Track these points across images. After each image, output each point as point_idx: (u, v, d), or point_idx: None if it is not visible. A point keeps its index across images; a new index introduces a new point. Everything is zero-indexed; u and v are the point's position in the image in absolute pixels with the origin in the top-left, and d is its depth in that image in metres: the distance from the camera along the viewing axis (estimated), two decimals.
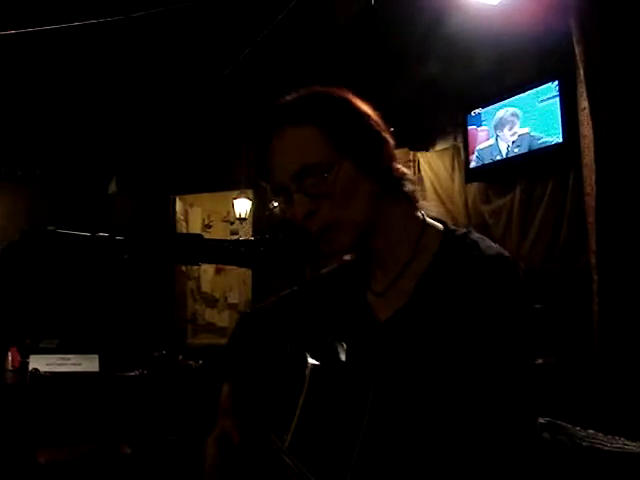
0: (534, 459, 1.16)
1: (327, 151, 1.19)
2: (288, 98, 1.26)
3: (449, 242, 1.23)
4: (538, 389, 1.14)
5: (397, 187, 1.26)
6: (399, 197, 1.26)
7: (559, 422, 1.77)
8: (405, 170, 1.30)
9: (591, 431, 1.77)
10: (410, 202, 1.28)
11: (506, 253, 1.18)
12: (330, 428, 1.13)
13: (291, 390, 1.18)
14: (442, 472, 1.10)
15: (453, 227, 1.28)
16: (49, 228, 1.21)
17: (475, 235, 1.22)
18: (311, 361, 1.17)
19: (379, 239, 1.25)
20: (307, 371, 1.16)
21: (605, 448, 1.70)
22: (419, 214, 1.28)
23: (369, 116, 1.24)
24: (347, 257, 1.40)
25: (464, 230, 1.25)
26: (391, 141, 1.25)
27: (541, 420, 1.80)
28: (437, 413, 1.11)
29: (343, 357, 1.24)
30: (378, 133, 1.23)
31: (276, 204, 1.25)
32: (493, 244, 1.20)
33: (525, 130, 4.18)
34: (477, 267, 1.14)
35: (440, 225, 1.28)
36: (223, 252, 1.19)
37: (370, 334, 1.25)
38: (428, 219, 1.29)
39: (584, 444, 1.71)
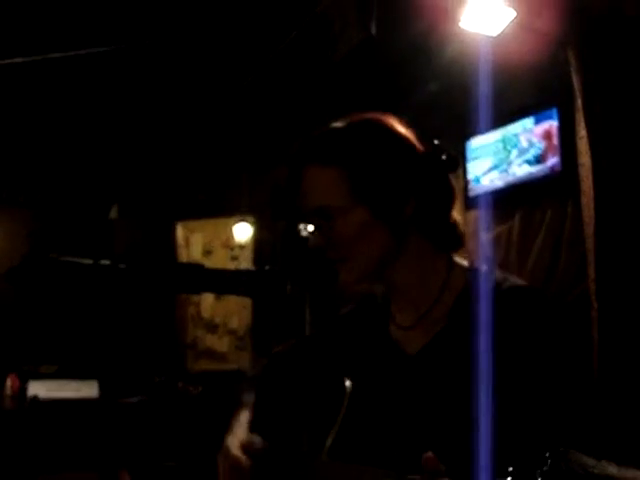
0: None
1: (343, 195, 1.21)
2: (334, 125, 1.27)
3: (476, 275, 1.25)
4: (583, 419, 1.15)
5: (426, 236, 1.27)
6: (426, 237, 1.28)
7: (572, 450, 1.77)
8: (457, 219, 1.31)
9: (604, 461, 1.77)
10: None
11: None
12: (365, 456, 1.13)
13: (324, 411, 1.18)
14: None
15: (477, 265, 1.30)
16: (51, 255, 1.23)
17: (500, 271, 1.26)
18: (348, 383, 1.18)
19: (403, 276, 1.26)
20: (347, 391, 1.16)
21: (616, 477, 1.70)
22: (444, 252, 1.30)
23: (402, 165, 1.23)
24: (361, 291, 1.40)
25: (487, 267, 1.28)
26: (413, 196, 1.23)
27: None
28: (468, 442, 1.10)
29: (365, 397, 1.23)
30: (403, 188, 1.22)
31: (308, 229, 1.27)
32: (518, 279, 1.23)
33: (523, 158, 4.20)
34: (508, 297, 1.16)
35: (465, 262, 1.31)
36: (224, 282, 1.21)
37: (399, 367, 1.25)
38: (454, 257, 1.31)
39: (596, 472, 1.72)
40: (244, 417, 1.39)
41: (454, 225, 1.31)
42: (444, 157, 1.29)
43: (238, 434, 1.31)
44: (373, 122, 1.27)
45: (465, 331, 1.17)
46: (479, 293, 1.20)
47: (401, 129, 1.27)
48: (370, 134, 1.25)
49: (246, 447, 1.25)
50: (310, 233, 1.26)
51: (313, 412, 1.24)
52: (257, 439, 1.27)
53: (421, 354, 1.23)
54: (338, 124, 1.28)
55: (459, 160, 1.30)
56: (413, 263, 1.25)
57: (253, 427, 1.35)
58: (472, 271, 1.27)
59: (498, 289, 1.18)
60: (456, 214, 1.33)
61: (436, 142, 1.29)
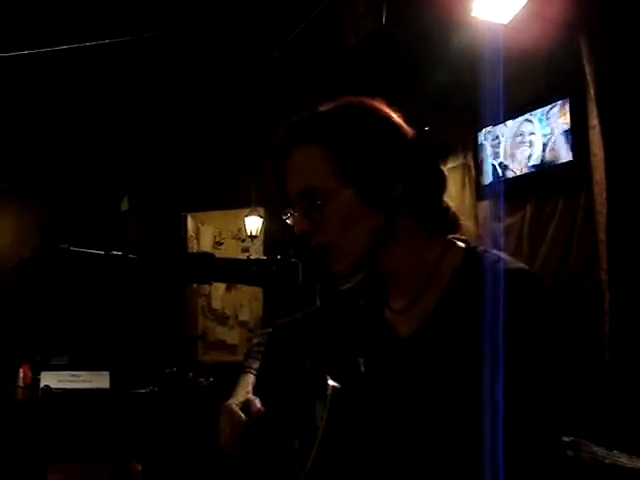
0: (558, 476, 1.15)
1: (329, 175, 1.18)
2: (320, 108, 1.24)
3: (470, 259, 1.22)
4: (563, 405, 1.13)
5: (416, 219, 1.24)
6: (418, 222, 1.24)
7: (582, 441, 1.76)
8: (448, 204, 1.28)
9: (615, 451, 1.76)
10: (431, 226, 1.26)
11: (528, 268, 1.18)
12: (352, 449, 1.13)
13: (311, 411, 1.18)
14: None
15: (475, 245, 1.27)
16: (62, 245, 1.22)
17: (496, 252, 1.22)
18: (331, 383, 1.17)
19: (395, 261, 1.24)
20: (328, 394, 1.15)
21: (627, 467, 1.69)
22: (438, 235, 1.27)
23: (388, 144, 1.20)
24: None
25: (485, 248, 1.25)
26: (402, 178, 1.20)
27: (565, 438, 1.80)
28: (459, 429, 1.10)
29: (363, 374, 1.23)
30: (389, 168, 1.19)
31: (287, 216, 1.25)
32: (515, 260, 1.20)
33: (535, 148, 4.18)
34: (499, 280, 1.13)
35: (462, 243, 1.27)
36: (235, 271, 1.20)
37: (391, 350, 1.24)
38: (451, 237, 1.28)
39: (606, 462, 1.71)
40: (246, 380, 1.43)
41: (446, 209, 1.28)
42: (433, 143, 1.27)
43: (239, 395, 1.37)
44: (357, 103, 1.25)
45: (458, 314, 1.16)
46: (473, 276, 1.17)
47: (387, 110, 1.24)
48: (354, 113, 1.22)
49: (245, 406, 1.32)
50: (291, 219, 1.23)
51: (304, 408, 1.24)
52: (256, 400, 1.33)
53: (413, 337, 1.22)
54: (321, 107, 1.25)
55: (447, 149, 1.29)
56: (405, 248, 1.23)
57: (255, 392, 1.38)
58: (469, 251, 1.24)
59: (492, 271, 1.15)
60: (448, 200, 1.29)
61: (427, 128, 1.28)
